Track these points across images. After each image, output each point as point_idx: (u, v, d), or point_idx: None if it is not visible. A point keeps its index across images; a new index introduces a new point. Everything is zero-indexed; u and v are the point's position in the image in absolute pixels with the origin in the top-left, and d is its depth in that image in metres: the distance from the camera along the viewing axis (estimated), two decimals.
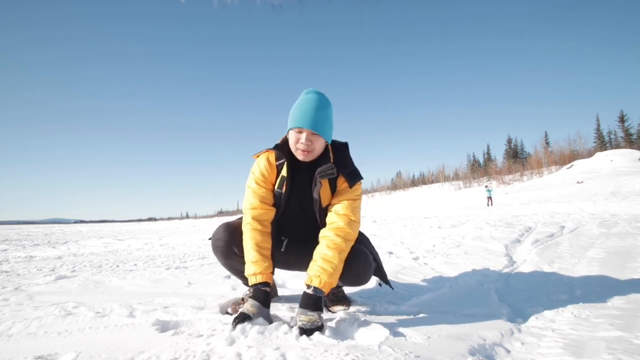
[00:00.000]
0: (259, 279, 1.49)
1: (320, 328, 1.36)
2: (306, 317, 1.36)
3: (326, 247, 1.49)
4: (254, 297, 1.47)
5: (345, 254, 1.51)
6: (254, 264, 1.51)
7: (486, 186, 24.51)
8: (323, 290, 1.43)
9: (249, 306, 1.43)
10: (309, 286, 1.44)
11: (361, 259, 1.57)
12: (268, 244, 1.56)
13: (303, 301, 1.42)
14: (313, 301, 1.40)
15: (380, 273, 1.73)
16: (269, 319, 1.44)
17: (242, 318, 1.38)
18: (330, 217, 1.57)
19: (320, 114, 1.51)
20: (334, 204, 1.59)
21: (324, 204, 1.60)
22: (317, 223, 1.62)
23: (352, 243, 1.55)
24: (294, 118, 1.53)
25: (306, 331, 1.32)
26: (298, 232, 1.70)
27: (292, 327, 1.36)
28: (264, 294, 1.48)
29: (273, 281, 1.81)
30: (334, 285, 1.48)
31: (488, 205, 21.29)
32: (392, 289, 1.85)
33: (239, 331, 1.31)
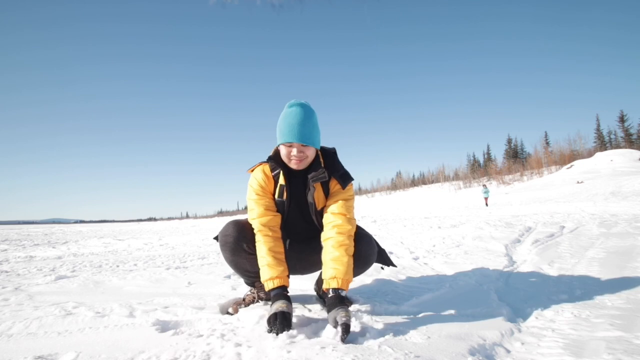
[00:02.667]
0: (277, 283, 1.50)
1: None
2: (345, 313, 1.36)
3: (332, 248, 1.53)
4: (279, 298, 1.46)
5: (351, 250, 1.56)
6: (270, 267, 1.52)
7: (484, 185, 24.11)
8: (343, 289, 1.47)
9: (281, 304, 1.42)
10: (328, 289, 1.47)
11: (365, 239, 1.64)
12: (281, 249, 1.60)
13: (332, 302, 1.43)
14: (339, 300, 1.43)
15: (382, 257, 1.81)
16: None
17: (282, 317, 1.37)
18: (327, 218, 1.61)
19: (306, 126, 1.56)
20: (330, 205, 1.64)
21: (319, 206, 1.66)
22: (314, 225, 1.68)
23: (353, 238, 1.59)
24: (282, 133, 1.57)
25: (349, 326, 1.33)
26: (298, 234, 1.77)
27: (334, 326, 1.35)
28: (285, 297, 1.48)
29: None
30: (351, 280, 1.52)
31: (486, 205, 20.76)
32: (395, 266, 1.91)
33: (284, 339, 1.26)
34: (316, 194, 1.64)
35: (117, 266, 3.47)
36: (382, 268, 1.84)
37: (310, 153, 1.61)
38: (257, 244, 1.61)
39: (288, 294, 1.51)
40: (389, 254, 1.89)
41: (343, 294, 1.47)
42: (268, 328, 1.36)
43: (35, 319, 1.58)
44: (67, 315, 1.64)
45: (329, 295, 1.47)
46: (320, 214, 1.67)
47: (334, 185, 1.66)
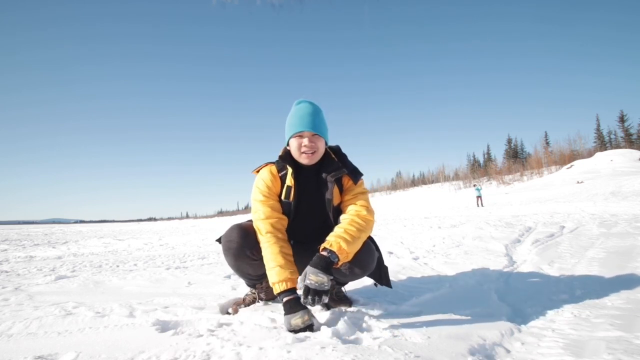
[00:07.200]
0: (288, 285, 1.43)
1: (326, 293, 1.34)
2: (315, 278, 1.33)
3: (346, 224, 1.51)
4: (295, 303, 1.40)
5: (365, 235, 1.52)
6: (280, 269, 1.45)
7: (474, 185, 23.52)
8: (338, 255, 1.39)
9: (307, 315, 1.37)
10: (324, 249, 1.41)
11: (364, 247, 1.55)
12: (290, 251, 1.55)
13: (314, 261, 1.38)
14: (324, 263, 1.37)
15: (380, 273, 1.70)
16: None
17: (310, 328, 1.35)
18: (349, 209, 1.59)
19: (316, 117, 1.59)
20: (348, 200, 1.63)
21: (335, 203, 1.65)
22: (326, 224, 1.64)
23: (370, 229, 1.57)
24: (292, 125, 1.59)
25: (311, 291, 1.31)
26: (304, 235, 1.71)
27: (300, 287, 1.36)
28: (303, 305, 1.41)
29: None
30: (350, 257, 1.45)
31: (478, 205, 19.76)
32: (390, 287, 1.79)
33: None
34: (334, 190, 1.63)
35: (117, 266, 3.48)
36: (376, 285, 1.77)
37: (321, 145, 1.60)
38: (264, 246, 1.53)
39: (296, 296, 1.43)
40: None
41: (334, 259, 1.38)
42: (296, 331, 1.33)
43: (35, 319, 1.59)
44: (67, 315, 1.64)
45: (320, 253, 1.40)
46: (337, 210, 1.65)
47: (347, 181, 1.66)
